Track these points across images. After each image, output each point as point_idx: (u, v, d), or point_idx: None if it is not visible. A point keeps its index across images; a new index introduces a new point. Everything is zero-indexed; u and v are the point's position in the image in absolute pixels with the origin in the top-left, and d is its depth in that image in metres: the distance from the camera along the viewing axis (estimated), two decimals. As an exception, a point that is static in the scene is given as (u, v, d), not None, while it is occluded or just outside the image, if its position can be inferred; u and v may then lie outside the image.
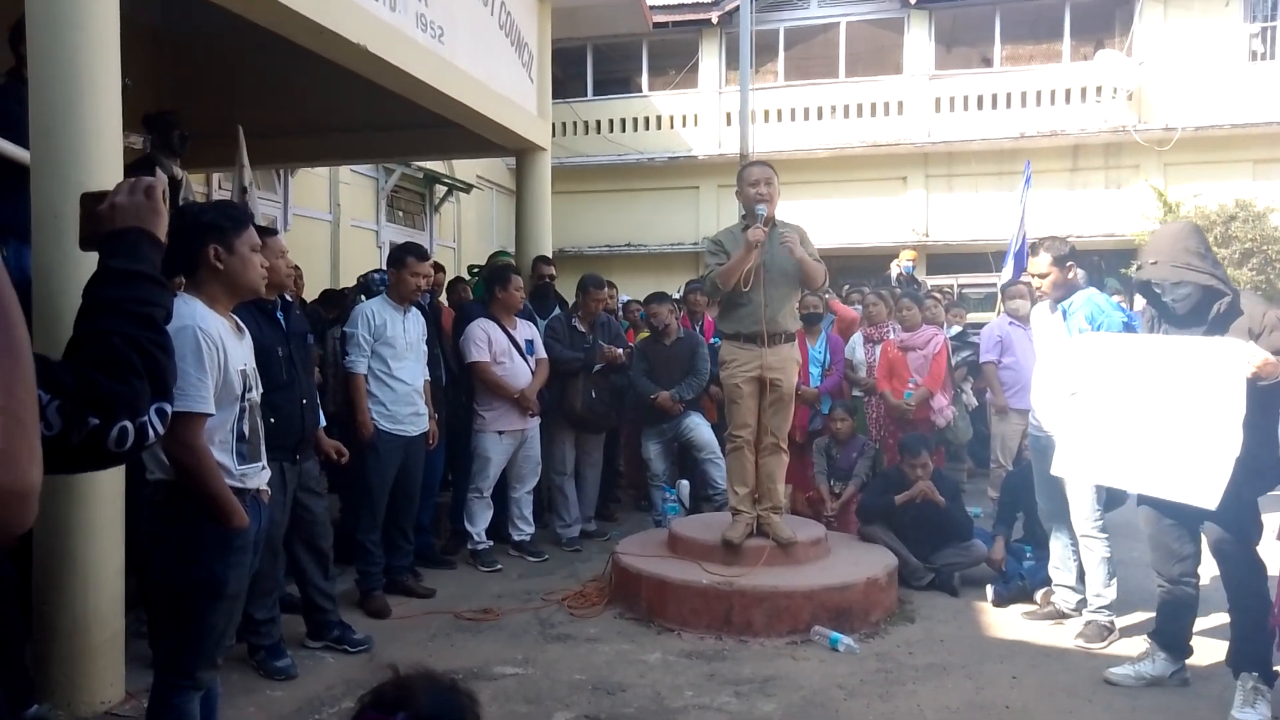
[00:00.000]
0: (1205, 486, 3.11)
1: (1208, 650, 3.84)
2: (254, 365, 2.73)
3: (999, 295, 7.54)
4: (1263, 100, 13.72)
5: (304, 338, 3.93)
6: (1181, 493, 3.22)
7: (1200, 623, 3.82)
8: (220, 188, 8.70)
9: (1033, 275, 4.48)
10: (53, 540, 3.17)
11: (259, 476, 2.72)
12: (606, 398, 5.98)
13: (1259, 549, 3.43)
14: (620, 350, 6.05)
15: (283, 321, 3.73)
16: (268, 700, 3.57)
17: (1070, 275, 4.29)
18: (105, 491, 3.22)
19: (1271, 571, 3.44)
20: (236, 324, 2.69)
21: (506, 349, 5.48)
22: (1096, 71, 14.55)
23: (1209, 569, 3.63)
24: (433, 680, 1.22)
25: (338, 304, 6.64)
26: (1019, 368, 6.36)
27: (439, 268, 6.74)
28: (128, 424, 1.23)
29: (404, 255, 4.78)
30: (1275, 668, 3.38)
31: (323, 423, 4.17)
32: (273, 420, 3.51)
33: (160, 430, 1.29)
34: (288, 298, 3.94)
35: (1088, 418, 3.66)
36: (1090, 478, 3.99)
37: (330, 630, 4.07)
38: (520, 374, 5.49)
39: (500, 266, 6.24)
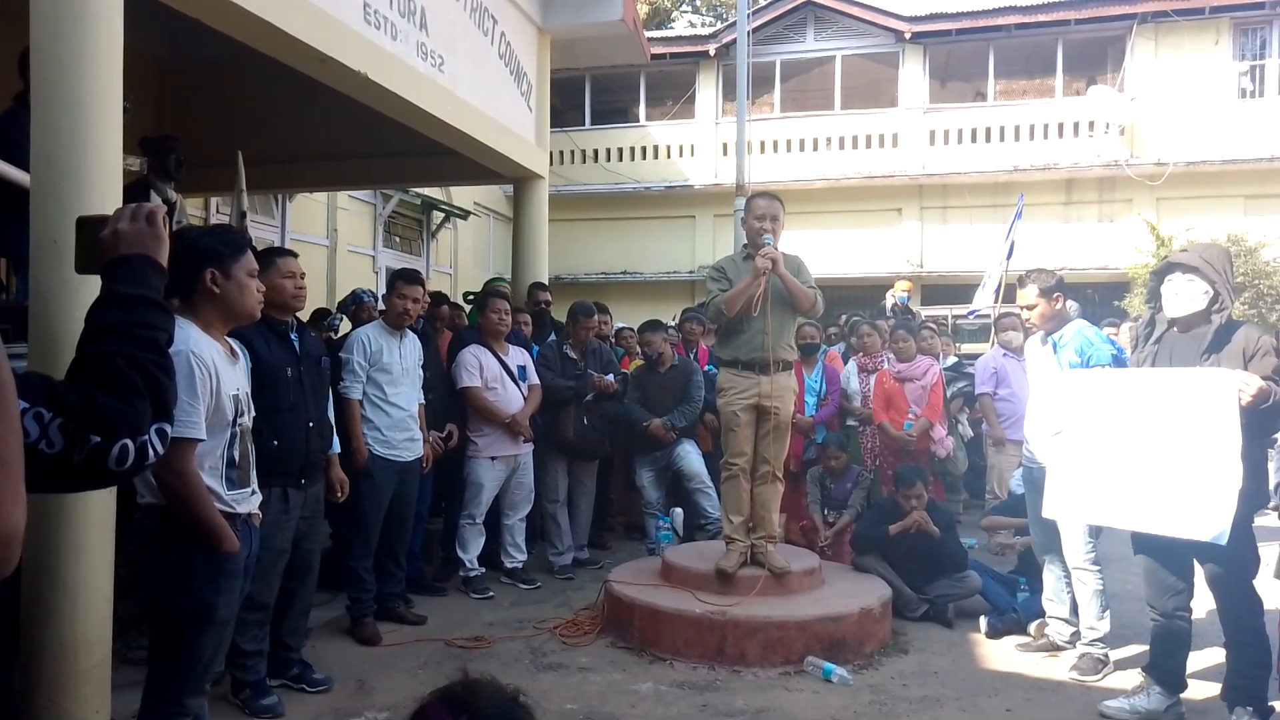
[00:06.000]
0: (1213, 522, 3.09)
1: (1204, 684, 3.82)
2: (247, 390, 2.74)
3: (993, 327, 7.58)
4: (1253, 137, 13.91)
5: (318, 361, 3.84)
6: (1185, 529, 3.18)
7: (1197, 657, 3.80)
8: (218, 212, 8.74)
9: (1020, 307, 4.51)
10: (41, 563, 3.14)
11: (249, 502, 2.72)
12: (599, 425, 5.98)
13: (1257, 583, 3.42)
14: (612, 378, 6.05)
15: (296, 343, 3.68)
16: (255, 728, 3.54)
17: (1058, 306, 4.31)
18: (95, 514, 3.20)
19: (1272, 606, 3.43)
20: (230, 349, 2.70)
21: (498, 375, 5.48)
22: (1089, 107, 14.75)
23: (1205, 603, 3.62)
24: (498, 690, 1.22)
25: (323, 318, 6.68)
26: (1014, 399, 6.38)
27: (439, 298, 6.75)
28: (129, 443, 1.24)
29: (394, 279, 4.81)
30: (1272, 704, 3.36)
31: (336, 449, 4.11)
32: (275, 443, 3.45)
33: (160, 450, 1.31)
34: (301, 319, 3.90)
35: (1076, 457, 3.65)
36: (1083, 519, 3.97)
37: (289, 668, 3.90)
38: (512, 400, 5.48)
39: (482, 292, 6.26)
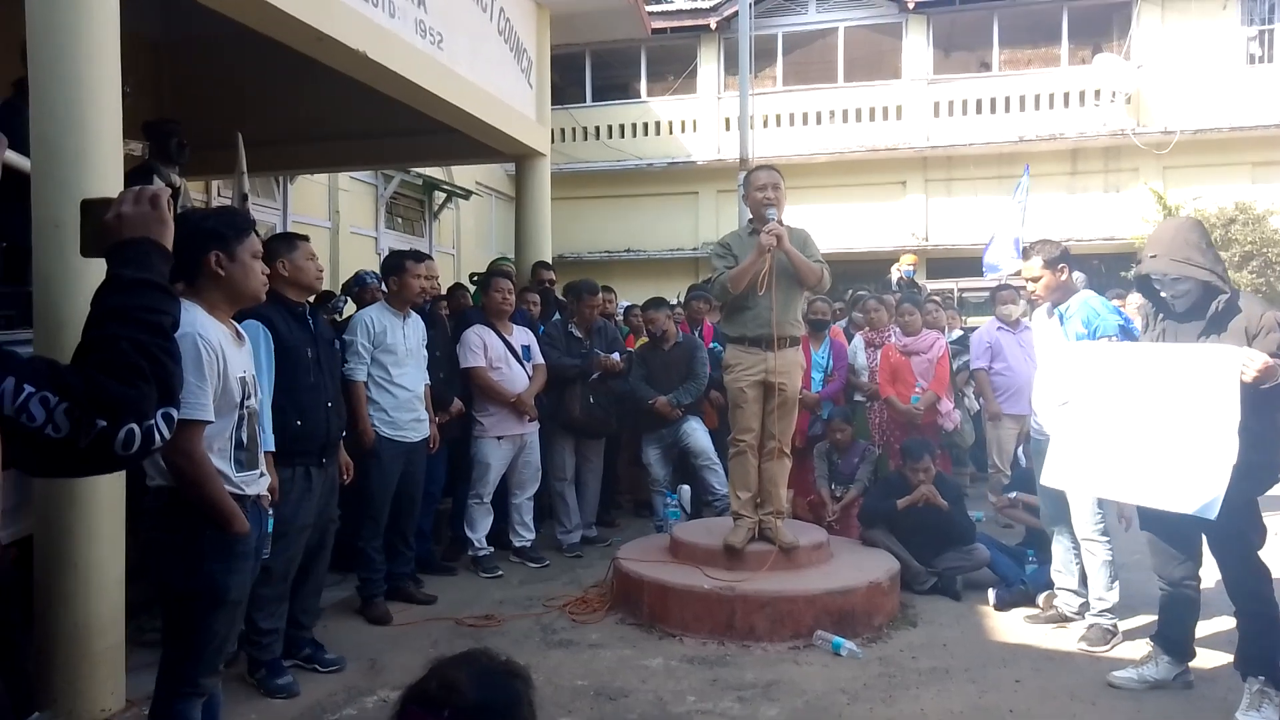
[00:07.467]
0: (1202, 497, 3.08)
1: (1212, 653, 3.83)
2: (253, 373, 2.73)
3: (992, 298, 7.53)
4: (1261, 103, 13.76)
5: (331, 343, 3.95)
6: (1178, 503, 3.18)
7: (1204, 625, 3.81)
8: (219, 195, 8.71)
9: (1025, 279, 4.48)
10: (53, 546, 3.17)
11: (258, 483, 2.72)
12: (605, 403, 5.97)
13: (1262, 552, 3.42)
14: (617, 357, 6.04)
15: (311, 324, 3.76)
16: (269, 707, 3.56)
17: (1063, 277, 4.28)
18: (106, 498, 3.22)
19: None
20: (236, 331, 2.69)
21: (503, 355, 5.47)
22: (1095, 75, 14.60)
23: (1214, 572, 3.61)
24: (481, 667, 1.18)
25: (326, 300, 6.65)
26: (1009, 373, 6.36)
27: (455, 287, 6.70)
28: (135, 427, 1.24)
29: (401, 260, 4.78)
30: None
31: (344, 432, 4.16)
32: (299, 423, 3.56)
33: (166, 435, 1.30)
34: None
35: (1080, 428, 3.64)
36: (1082, 489, 3.97)
37: (301, 648, 3.93)
38: (517, 379, 5.48)
39: (486, 272, 6.24)
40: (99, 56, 3.16)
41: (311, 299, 3.87)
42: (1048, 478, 3.86)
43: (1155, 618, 3.84)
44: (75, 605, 3.18)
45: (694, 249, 16.01)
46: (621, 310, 8.06)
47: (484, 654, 1.22)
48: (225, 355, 2.52)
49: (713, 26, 16.00)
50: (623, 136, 16.43)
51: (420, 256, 4.85)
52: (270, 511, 3.13)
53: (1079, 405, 3.68)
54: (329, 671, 3.90)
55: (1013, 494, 5.29)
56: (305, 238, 3.81)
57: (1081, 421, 3.64)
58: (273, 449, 3.37)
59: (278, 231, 9.37)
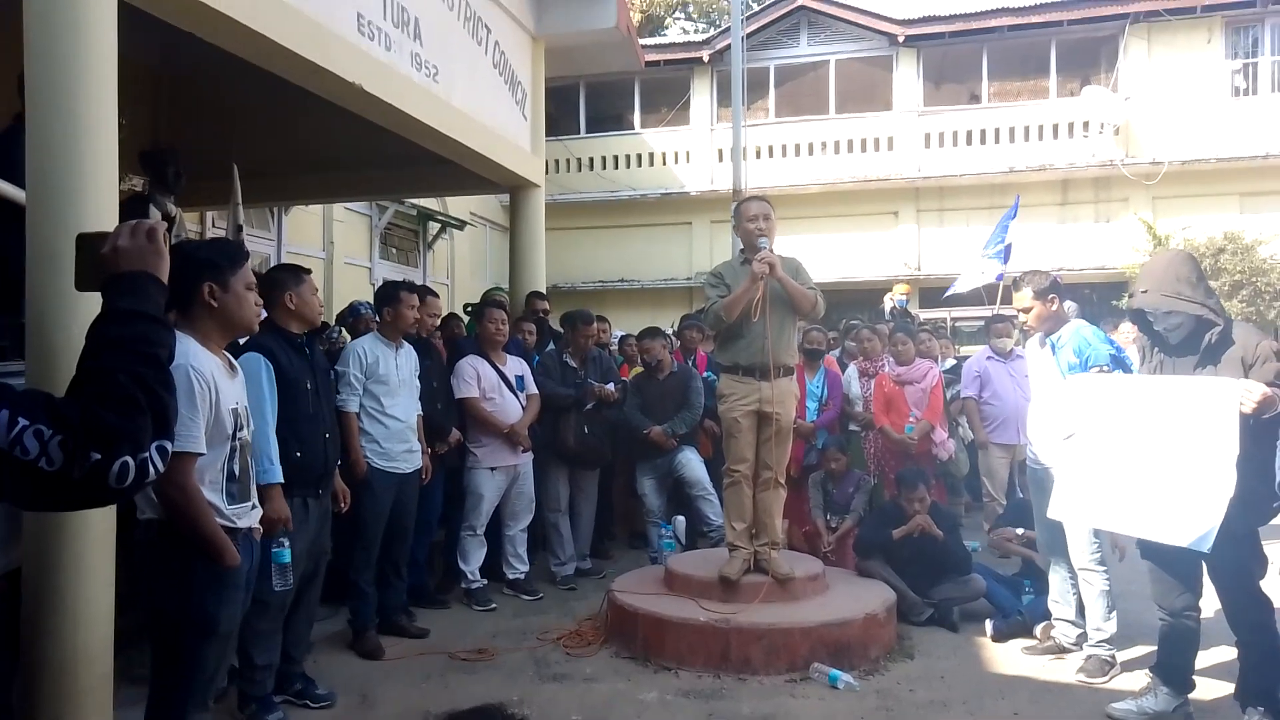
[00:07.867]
0: (1197, 529, 3.08)
1: (1212, 683, 3.80)
2: (245, 404, 2.72)
3: (987, 329, 7.56)
4: (1247, 134, 13.92)
5: (328, 373, 3.97)
6: (1175, 536, 3.18)
7: (1203, 656, 3.79)
8: (214, 226, 8.73)
9: (1017, 310, 4.51)
10: (42, 578, 3.12)
11: (250, 516, 2.70)
12: (600, 433, 5.96)
13: (1264, 583, 3.40)
14: (612, 387, 6.03)
15: (309, 355, 3.77)
16: (259, 744, 3.51)
17: (1054, 308, 4.30)
18: (95, 530, 3.18)
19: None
20: (229, 362, 2.68)
21: (496, 385, 5.46)
22: (1083, 107, 14.76)
23: (1214, 602, 3.60)
24: None
25: (322, 331, 6.64)
26: (997, 401, 6.41)
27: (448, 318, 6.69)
28: (129, 460, 1.23)
29: (395, 290, 4.79)
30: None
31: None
32: (299, 454, 3.56)
33: (161, 467, 1.29)
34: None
35: (1083, 460, 3.64)
36: (1087, 521, 3.97)
37: (292, 683, 3.87)
38: (511, 409, 5.47)
39: (480, 302, 6.26)
40: (96, 88, 3.17)
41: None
42: (1055, 511, 3.84)
43: (1153, 648, 3.82)
44: (63, 637, 3.14)
45: (688, 279, 16.05)
46: (616, 340, 8.06)
47: (499, 710, 1.20)
48: (217, 387, 2.51)
49: (705, 59, 16.17)
50: (616, 167, 16.53)
51: (413, 288, 4.86)
52: (287, 544, 3.11)
53: (1083, 438, 3.67)
54: (320, 707, 3.84)
55: (1019, 530, 5.26)
56: (309, 271, 3.83)
57: (1086, 455, 3.63)
58: (281, 480, 3.36)
59: (274, 264, 9.39)
